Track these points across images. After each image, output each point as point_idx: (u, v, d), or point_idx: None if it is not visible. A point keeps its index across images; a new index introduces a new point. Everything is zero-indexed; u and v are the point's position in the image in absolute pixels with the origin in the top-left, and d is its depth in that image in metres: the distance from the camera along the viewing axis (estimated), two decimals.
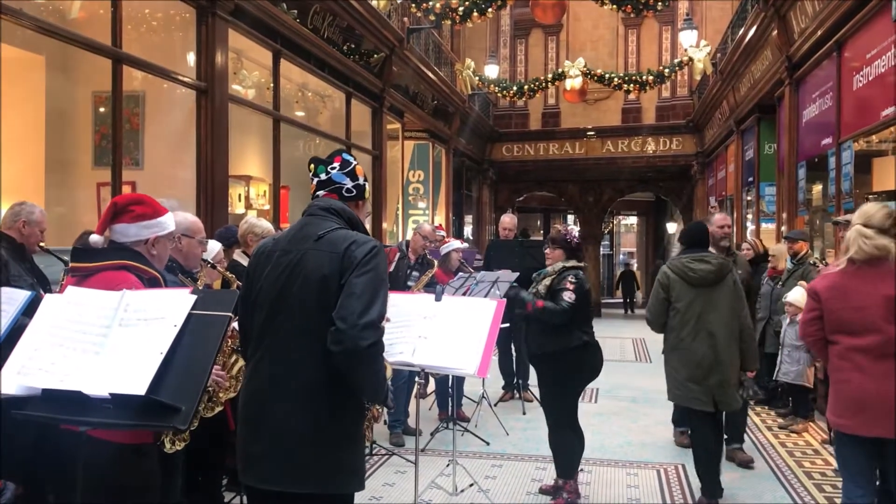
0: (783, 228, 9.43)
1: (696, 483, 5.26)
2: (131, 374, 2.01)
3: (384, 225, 11.21)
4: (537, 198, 23.57)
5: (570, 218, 24.99)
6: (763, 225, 11.58)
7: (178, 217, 3.49)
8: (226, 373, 3.09)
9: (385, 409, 6.14)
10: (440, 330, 3.05)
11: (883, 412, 3.41)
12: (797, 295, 6.62)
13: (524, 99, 16.37)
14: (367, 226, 2.77)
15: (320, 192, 2.68)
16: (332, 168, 2.68)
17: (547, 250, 4.86)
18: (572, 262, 4.73)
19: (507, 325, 7.40)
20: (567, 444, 4.74)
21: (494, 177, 19.39)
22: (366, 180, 2.77)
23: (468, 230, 18.38)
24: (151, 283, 2.64)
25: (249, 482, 2.46)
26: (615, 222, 27.08)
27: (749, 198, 12.57)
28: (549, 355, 4.68)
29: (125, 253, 2.66)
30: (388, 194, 11.70)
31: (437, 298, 3.18)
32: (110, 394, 1.98)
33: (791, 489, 5.18)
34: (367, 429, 2.58)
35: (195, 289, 2.50)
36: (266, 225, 4.68)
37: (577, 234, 4.90)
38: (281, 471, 2.37)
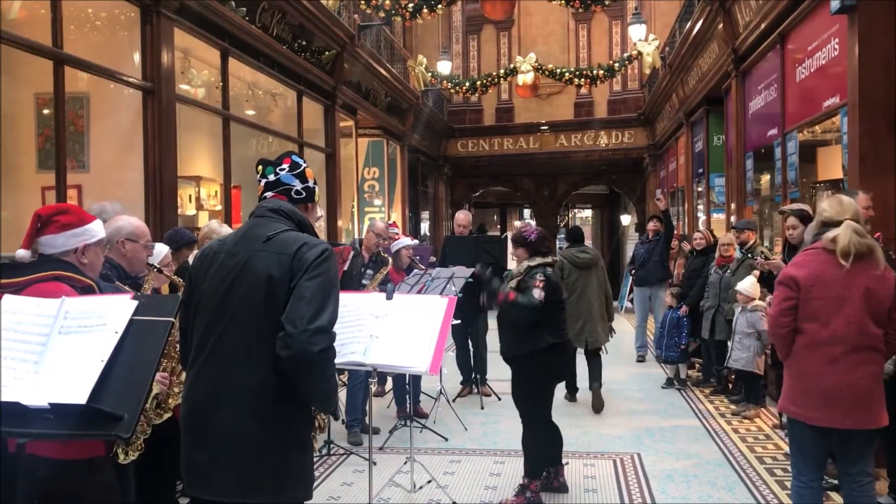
0: (732, 218, 9.61)
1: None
2: (72, 383, 1.97)
3: (339, 223, 11.14)
4: (493, 193, 23.64)
5: (527, 212, 25.14)
6: (714, 215, 11.78)
7: (121, 221, 3.44)
8: (175, 378, 3.04)
9: (343, 409, 6.16)
10: (391, 328, 3.04)
11: (853, 405, 3.49)
12: (747, 284, 6.76)
13: (477, 95, 16.42)
14: (321, 225, 2.74)
15: (268, 194, 2.64)
16: (281, 169, 2.64)
17: (513, 251, 4.86)
18: (538, 260, 4.70)
19: (459, 321, 7.44)
20: (535, 445, 4.75)
21: (450, 173, 19.43)
22: (315, 183, 2.74)
23: (425, 227, 18.38)
24: (85, 291, 2.57)
25: (195, 493, 2.38)
26: (571, 216, 27.29)
27: (699, 189, 12.77)
28: (519, 358, 4.69)
29: (55, 264, 2.58)
30: (343, 192, 11.63)
31: (389, 297, 3.17)
32: (50, 404, 1.93)
33: (743, 474, 5.29)
34: (314, 438, 2.54)
35: (136, 294, 2.45)
36: (227, 230, 4.62)
37: (534, 229, 4.87)
38: (228, 481, 2.31)
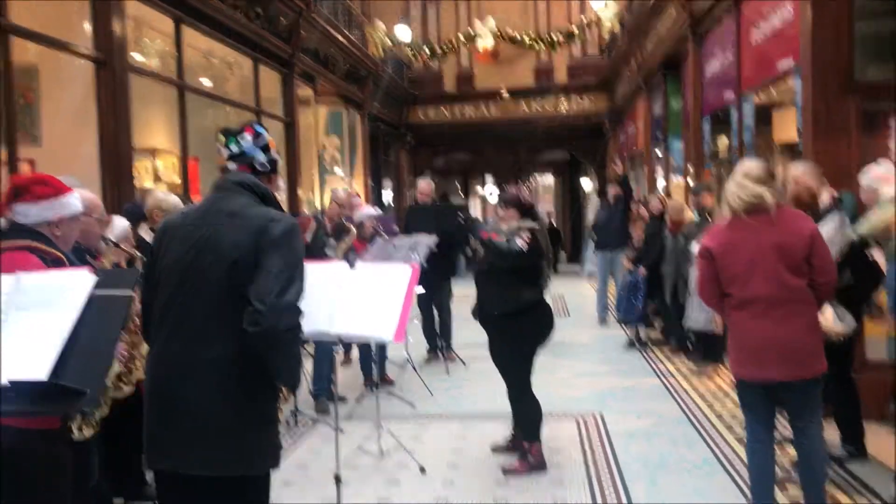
0: (691, 182, 9.74)
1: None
2: (31, 360, 1.95)
3: (300, 193, 11.06)
4: (456, 160, 23.59)
5: (490, 179, 25.14)
6: (673, 179, 11.92)
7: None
8: (136, 352, 3.03)
9: (310, 379, 6.18)
10: (355, 297, 3.05)
11: (780, 357, 3.61)
12: None
13: (437, 61, 16.30)
14: (282, 196, 2.73)
15: (231, 165, 2.60)
16: (244, 140, 2.61)
17: (501, 213, 4.86)
18: (528, 223, 4.71)
19: (424, 289, 7.47)
20: (527, 407, 4.77)
21: (412, 141, 19.33)
22: (278, 154, 2.72)
23: (388, 196, 18.31)
24: (55, 264, 2.55)
25: (161, 467, 2.39)
26: (533, 182, 27.36)
27: (658, 153, 12.90)
28: (501, 317, 4.68)
29: (27, 234, 2.57)
30: (303, 162, 11.53)
31: (352, 266, 3.18)
32: (9, 381, 1.91)
33: (703, 430, 5.44)
34: (279, 409, 2.55)
35: (95, 268, 2.42)
36: (174, 200, 4.57)
37: (528, 194, 4.89)
38: (195, 455, 2.31)
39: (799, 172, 4.55)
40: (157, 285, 2.44)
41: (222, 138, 2.59)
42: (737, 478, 4.49)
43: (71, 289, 2.09)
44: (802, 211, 4.06)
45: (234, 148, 2.58)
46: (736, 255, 3.62)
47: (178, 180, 8.33)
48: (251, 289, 2.27)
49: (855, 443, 4.64)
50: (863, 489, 4.24)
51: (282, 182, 10.37)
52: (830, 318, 4.02)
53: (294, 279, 2.32)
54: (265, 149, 2.61)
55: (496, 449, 5.06)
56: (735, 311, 3.69)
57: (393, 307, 3.04)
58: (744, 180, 3.66)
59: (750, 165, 3.74)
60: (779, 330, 3.59)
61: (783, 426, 4.44)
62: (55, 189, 2.67)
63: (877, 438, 4.64)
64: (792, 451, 4.39)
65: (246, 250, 2.33)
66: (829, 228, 4.23)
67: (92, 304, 2.05)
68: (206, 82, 9.24)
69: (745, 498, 4.10)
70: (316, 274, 3.10)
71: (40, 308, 2.06)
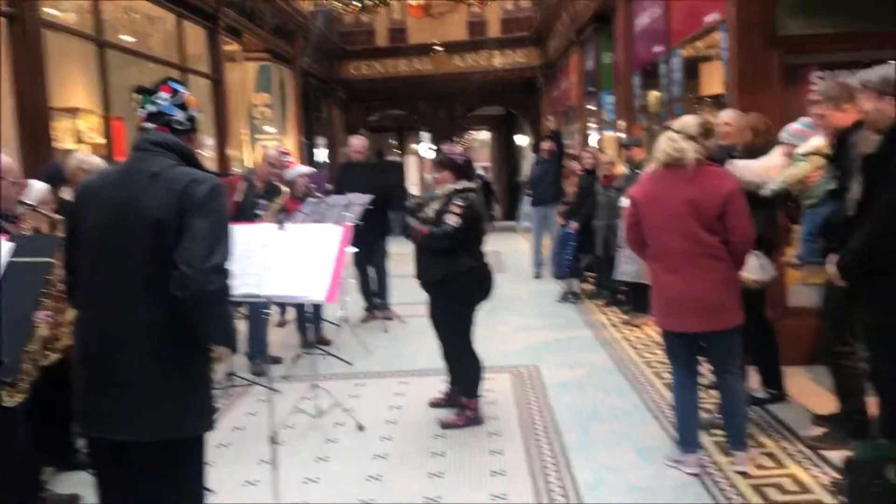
0: (622, 136, 9.86)
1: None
2: None
3: (230, 152, 10.81)
4: (390, 116, 23.39)
5: (425, 136, 25.02)
6: (605, 133, 12.05)
7: None
8: (61, 317, 2.95)
9: (246, 341, 6.13)
10: (285, 259, 3.02)
11: (693, 309, 3.74)
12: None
13: (369, 14, 15.99)
14: (211, 156, 2.66)
15: (149, 125, 2.53)
16: (161, 98, 2.52)
17: (436, 175, 4.80)
18: (463, 184, 4.67)
19: (359, 248, 7.45)
20: (465, 367, 4.83)
21: (344, 96, 19.04)
22: (197, 111, 2.64)
23: (321, 153, 18.05)
24: None
25: (94, 433, 2.35)
26: (469, 138, 27.34)
27: (591, 107, 13.00)
28: (438, 283, 4.70)
29: None
30: (232, 120, 11.24)
31: (281, 227, 3.14)
32: None
33: (633, 378, 5.61)
34: (211, 371, 2.53)
35: (12, 235, 2.34)
36: (96, 161, 4.42)
37: (462, 152, 4.80)
38: (127, 420, 2.28)
39: (729, 116, 4.71)
40: (78, 249, 2.38)
41: (138, 97, 2.51)
42: (665, 423, 4.66)
43: None
44: (757, 149, 4.26)
45: (151, 107, 2.49)
46: (656, 206, 3.73)
47: (101, 141, 8.04)
48: (177, 252, 2.24)
49: (775, 386, 4.85)
50: (783, 429, 4.44)
51: (210, 141, 10.14)
52: (749, 267, 4.15)
53: (220, 241, 2.29)
54: (183, 106, 2.53)
55: (434, 404, 5.12)
56: (652, 262, 3.84)
57: (324, 267, 3.02)
58: (674, 135, 3.73)
59: (686, 120, 3.82)
60: (691, 285, 3.71)
61: (708, 370, 4.60)
62: None
63: (798, 382, 4.85)
64: (716, 395, 4.56)
65: (169, 212, 2.28)
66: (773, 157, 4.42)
67: (9, 271, 1.98)
68: (127, 38, 8.88)
69: (673, 441, 4.25)
70: (244, 235, 3.06)
71: None
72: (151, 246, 2.28)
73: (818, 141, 4.29)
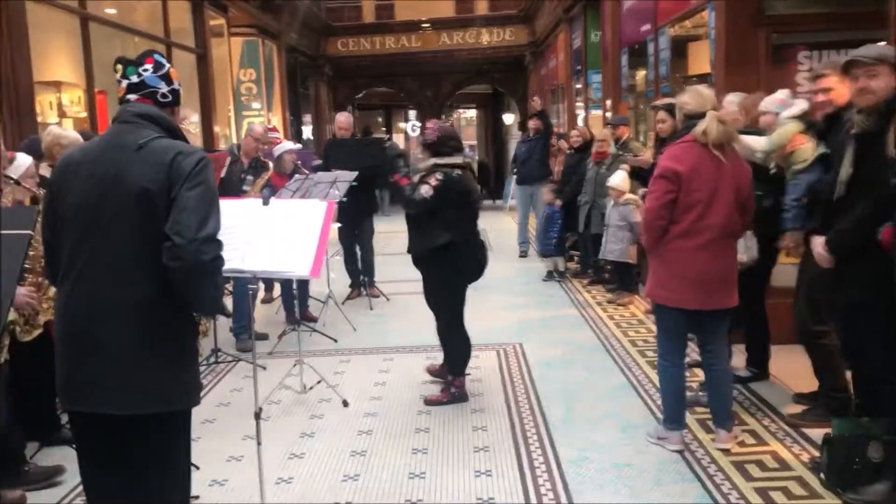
0: (608, 115, 9.85)
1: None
2: None
3: (216, 128, 10.72)
4: (377, 94, 23.28)
5: (413, 114, 24.92)
6: (592, 112, 12.03)
7: None
8: (42, 294, 2.93)
9: (231, 318, 6.12)
10: (269, 234, 3.01)
11: (718, 287, 3.77)
12: (618, 179, 7.02)
13: None
14: (196, 131, 2.63)
15: (131, 97, 2.49)
16: (145, 70, 2.49)
17: (420, 154, 4.84)
18: (445, 160, 4.65)
19: (346, 225, 7.42)
20: (453, 344, 4.86)
21: (331, 73, 18.90)
22: (180, 85, 2.61)
23: (307, 130, 17.94)
24: None
25: (79, 408, 2.33)
26: (455, 116, 27.25)
27: (578, 86, 12.97)
28: (420, 258, 4.73)
29: None
30: (218, 96, 11.13)
31: (265, 202, 3.13)
32: None
33: (617, 357, 5.64)
34: (197, 344, 2.52)
35: None
36: (73, 135, 4.35)
37: (436, 129, 4.77)
38: (113, 395, 2.26)
39: (749, 102, 4.77)
40: (62, 226, 2.34)
41: (119, 68, 2.47)
42: (648, 400, 4.69)
43: None
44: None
45: (134, 78, 2.46)
46: (703, 182, 3.69)
47: (84, 115, 7.95)
48: (168, 224, 2.23)
49: (759, 365, 4.90)
50: (764, 407, 4.49)
51: (195, 116, 10.00)
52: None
53: (211, 211, 2.29)
54: (167, 79, 2.50)
55: (430, 370, 5.18)
56: (681, 240, 3.75)
57: (308, 243, 3.01)
58: (720, 118, 3.76)
59: (712, 98, 3.87)
60: (718, 261, 3.76)
61: (691, 349, 4.64)
62: None
63: (780, 360, 4.89)
64: (699, 374, 4.60)
65: (157, 185, 2.26)
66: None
67: None
68: (111, 11, 8.75)
69: (657, 419, 4.30)
70: (228, 211, 3.03)
71: None
72: (139, 219, 2.26)
73: (801, 105, 4.34)
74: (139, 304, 2.27)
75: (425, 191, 4.53)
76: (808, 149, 4.17)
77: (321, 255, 3.02)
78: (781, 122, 4.33)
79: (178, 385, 2.37)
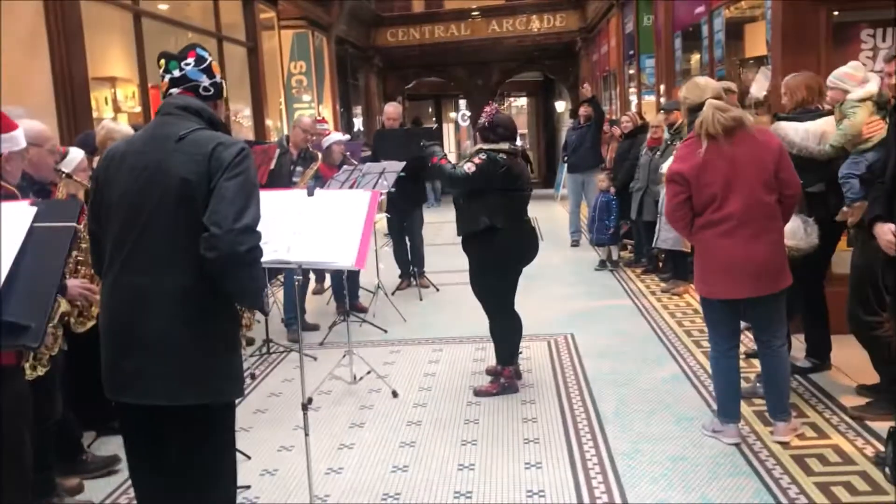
0: (662, 100, 9.64)
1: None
2: None
3: (267, 121, 10.83)
4: (427, 84, 23.25)
5: (462, 103, 24.84)
6: (645, 97, 11.81)
7: (22, 125, 3.26)
8: (96, 285, 2.97)
9: (282, 308, 6.18)
10: (314, 225, 2.99)
11: (751, 275, 3.63)
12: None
13: None
14: (247, 124, 2.63)
15: (174, 90, 2.51)
16: (187, 64, 2.50)
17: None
18: (490, 146, 4.64)
19: (395, 215, 7.42)
20: (500, 333, 4.80)
21: (381, 64, 18.91)
22: (223, 79, 2.61)
23: (358, 122, 18.02)
24: (8, 198, 2.48)
25: (125, 399, 2.35)
26: (506, 104, 27.08)
27: (630, 71, 12.74)
28: (466, 241, 4.71)
29: None
30: (269, 88, 11.24)
31: (310, 193, 3.11)
32: None
33: (671, 346, 5.52)
34: (242, 336, 2.53)
35: (35, 200, 2.34)
36: (125, 129, 4.41)
37: (490, 114, 4.74)
38: (157, 386, 2.28)
39: (794, 82, 4.56)
40: (107, 217, 2.36)
41: (163, 63, 2.50)
42: (703, 391, 4.58)
43: (12, 222, 2.02)
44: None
45: (176, 72, 2.48)
46: (711, 175, 3.60)
47: (138, 109, 8.10)
48: (206, 214, 2.23)
49: (819, 355, 4.73)
50: (826, 399, 4.34)
51: (247, 109, 10.12)
52: (792, 233, 4.05)
53: (250, 202, 2.28)
54: (209, 72, 2.51)
55: (489, 371, 5.07)
56: (705, 230, 3.68)
57: (352, 233, 2.98)
58: (719, 102, 3.64)
59: (711, 85, 3.82)
60: (750, 248, 3.62)
61: (749, 339, 4.51)
62: (4, 123, 2.57)
63: (842, 351, 4.72)
64: (756, 364, 4.46)
65: (197, 175, 2.27)
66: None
67: (33, 236, 1.98)
68: (163, 7, 8.89)
69: (712, 410, 4.18)
70: (273, 202, 3.04)
71: None
72: (179, 210, 2.27)
73: (872, 86, 4.13)
74: (181, 294, 2.28)
75: (468, 167, 4.52)
76: (882, 132, 3.99)
77: (366, 245, 3.00)
78: (848, 105, 4.13)
79: (220, 376, 2.37)
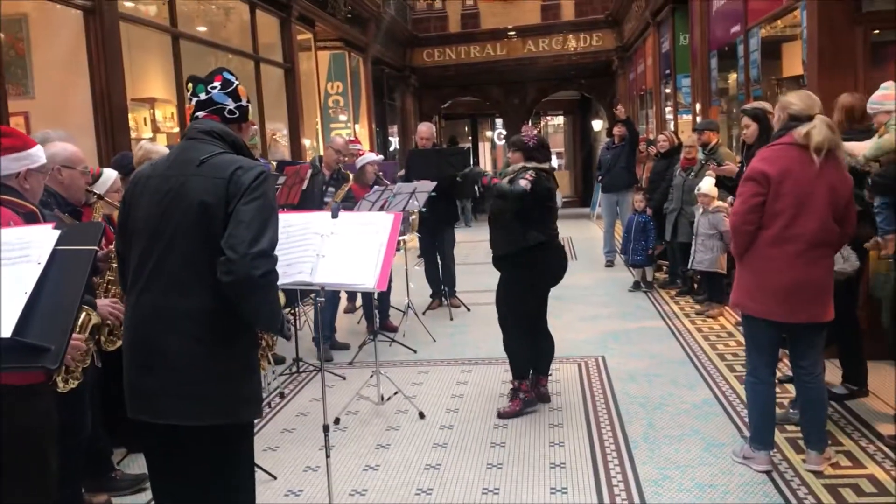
0: (698, 119, 9.55)
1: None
2: None
3: (304, 141, 10.96)
4: (463, 104, 23.33)
5: (499, 122, 24.87)
6: (681, 117, 11.71)
7: (56, 147, 3.34)
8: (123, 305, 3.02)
9: (313, 327, 6.22)
10: (337, 246, 3.01)
11: (808, 300, 3.56)
12: (708, 185, 6.76)
13: (441, 0, 15.92)
14: (285, 144, 2.65)
15: (200, 114, 2.56)
16: (213, 87, 2.55)
17: (509, 155, 4.88)
18: (533, 164, 4.67)
19: (426, 235, 7.43)
20: (514, 347, 4.81)
21: (417, 84, 19.05)
22: (248, 101, 2.65)
23: (394, 141, 18.14)
24: (28, 217, 2.54)
25: (144, 418, 2.37)
26: (542, 124, 27.06)
27: (667, 90, 12.65)
28: (507, 257, 4.71)
29: None
30: (306, 109, 11.38)
31: (334, 215, 3.13)
32: None
33: (704, 371, 5.42)
34: (262, 357, 2.54)
35: (58, 223, 2.39)
36: (162, 149, 4.48)
37: (534, 136, 4.81)
38: (176, 405, 2.30)
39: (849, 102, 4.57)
40: (130, 237, 2.41)
41: (190, 86, 2.55)
42: (735, 417, 4.49)
43: (35, 244, 2.06)
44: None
45: (203, 95, 2.52)
46: (795, 186, 3.52)
47: (177, 130, 8.25)
48: (224, 238, 2.26)
49: (856, 381, 4.61)
50: (862, 427, 4.22)
51: (283, 130, 10.25)
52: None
53: (266, 227, 2.30)
54: (234, 96, 2.54)
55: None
56: (769, 246, 3.58)
57: (375, 255, 2.99)
58: (829, 119, 3.61)
59: (819, 103, 3.71)
60: (811, 272, 3.55)
61: (783, 365, 4.41)
62: (22, 141, 2.64)
63: (879, 377, 4.60)
64: (789, 390, 4.37)
65: (216, 198, 2.30)
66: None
67: (56, 259, 2.02)
68: (202, 29, 9.07)
69: (743, 437, 4.10)
70: (298, 223, 3.06)
71: (5, 264, 2.03)
72: (199, 233, 2.30)
73: None
74: (200, 315, 2.31)
75: (524, 184, 4.53)
76: None
77: (387, 267, 3.00)
78: (890, 123, 4.09)
79: (238, 396, 2.39)
